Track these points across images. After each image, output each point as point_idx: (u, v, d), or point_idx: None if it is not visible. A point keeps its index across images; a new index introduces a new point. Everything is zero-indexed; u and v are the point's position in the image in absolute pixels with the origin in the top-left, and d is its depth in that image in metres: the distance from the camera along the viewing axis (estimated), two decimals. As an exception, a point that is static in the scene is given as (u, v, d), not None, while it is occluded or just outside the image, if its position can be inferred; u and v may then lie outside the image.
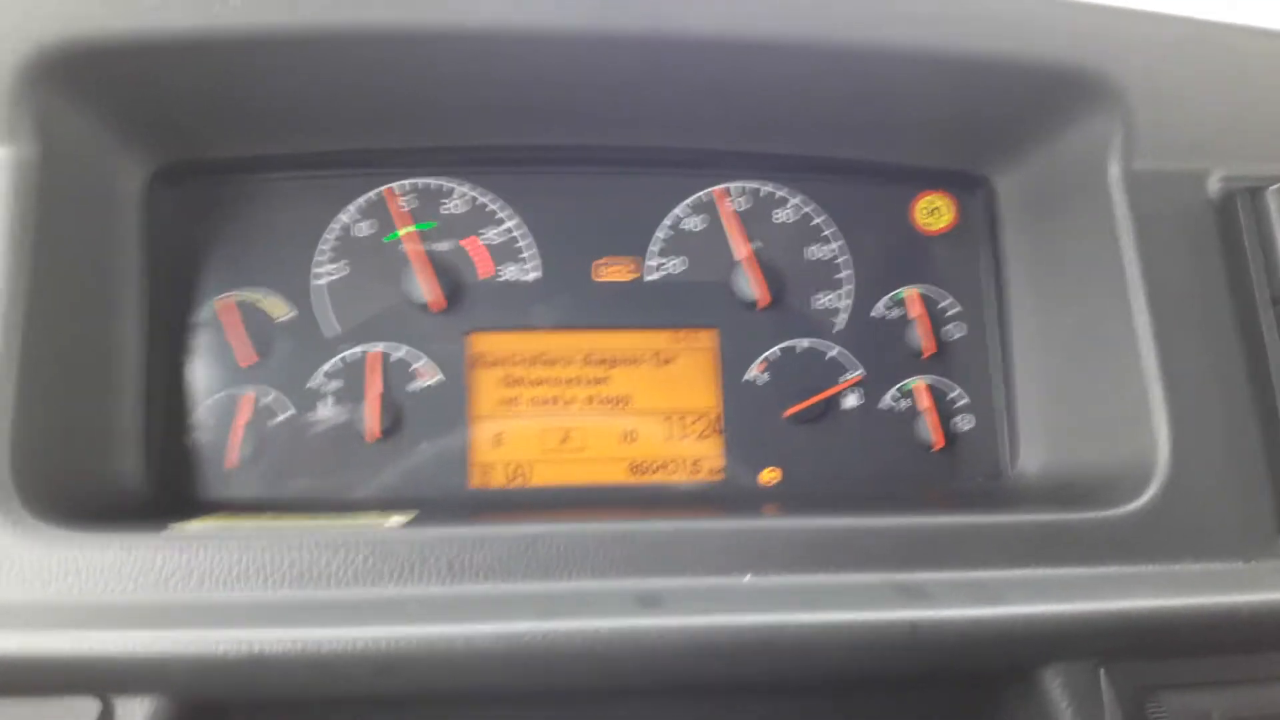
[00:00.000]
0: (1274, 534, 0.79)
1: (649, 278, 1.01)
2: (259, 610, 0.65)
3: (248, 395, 0.94)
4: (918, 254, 1.05)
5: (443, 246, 0.99)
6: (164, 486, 0.90)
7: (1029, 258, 1.00)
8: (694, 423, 1.00)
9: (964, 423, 1.02)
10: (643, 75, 0.87)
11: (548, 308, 1.00)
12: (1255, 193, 0.83)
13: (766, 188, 1.04)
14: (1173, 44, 0.87)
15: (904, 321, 1.03)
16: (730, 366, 1.01)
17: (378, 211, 0.98)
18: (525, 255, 1.00)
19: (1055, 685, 0.72)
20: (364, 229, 0.98)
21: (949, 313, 1.04)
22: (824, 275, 1.03)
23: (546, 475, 0.97)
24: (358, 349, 0.96)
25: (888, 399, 1.02)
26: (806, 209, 1.04)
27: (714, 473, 0.99)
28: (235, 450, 0.93)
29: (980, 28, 0.83)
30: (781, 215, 1.04)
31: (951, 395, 1.03)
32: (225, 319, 0.95)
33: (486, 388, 0.98)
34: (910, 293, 1.04)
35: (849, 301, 1.03)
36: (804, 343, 1.02)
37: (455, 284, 0.98)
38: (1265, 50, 0.90)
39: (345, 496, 0.94)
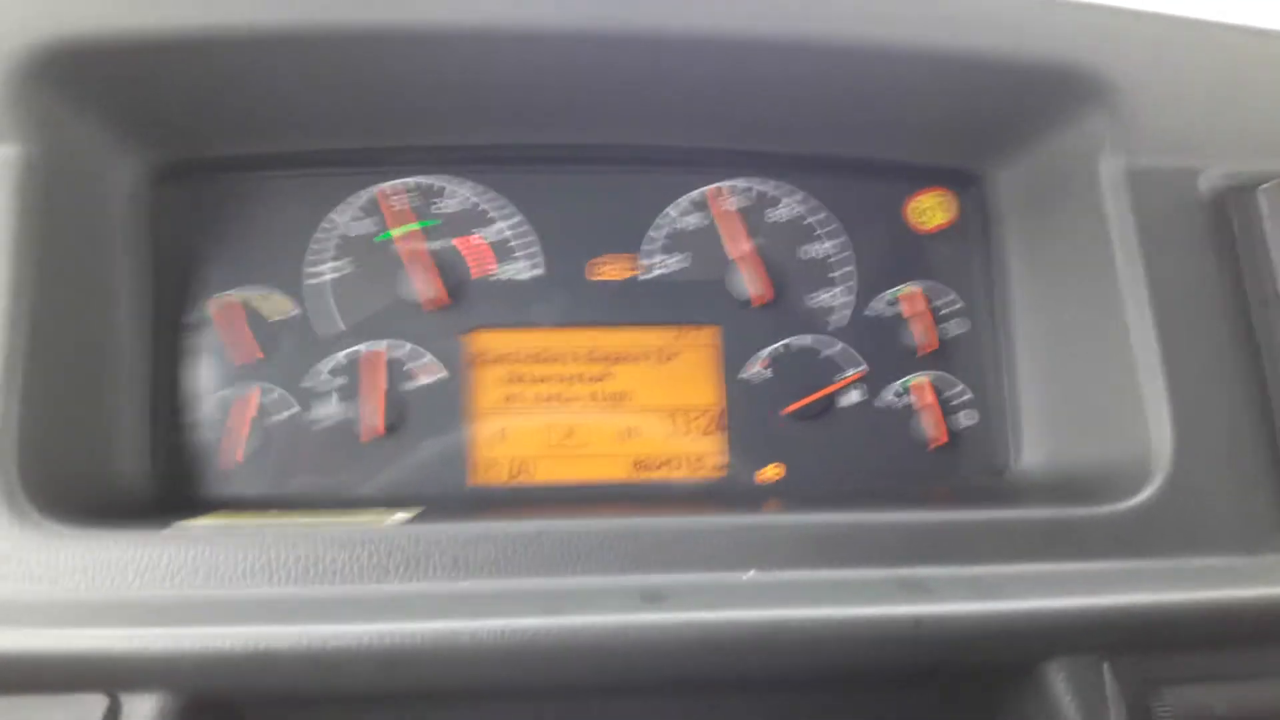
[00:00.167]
0: (1276, 528, 0.79)
1: (646, 275, 1.02)
2: (264, 606, 0.65)
3: (249, 393, 0.94)
4: (916, 251, 1.05)
5: (444, 244, 0.99)
6: (167, 485, 0.90)
7: (1026, 254, 1.00)
8: (696, 419, 1.00)
9: (965, 419, 1.03)
10: (640, 74, 0.87)
11: (546, 305, 1.00)
12: (1246, 191, 0.84)
13: (763, 186, 1.04)
14: (1166, 42, 0.88)
15: (904, 318, 1.03)
16: (731, 363, 1.01)
17: (379, 209, 0.99)
18: (523, 253, 1.00)
19: (1059, 680, 0.72)
20: (365, 227, 0.98)
21: (949, 309, 1.04)
22: (825, 272, 1.03)
23: (548, 472, 0.98)
24: (358, 347, 0.96)
25: (888, 396, 1.02)
26: (804, 207, 1.04)
27: (716, 469, 1.00)
28: (237, 448, 0.93)
29: (975, 26, 0.84)
30: (779, 213, 1.04)
31: (952, 392, 1.03)
32: (226, 317, 0.95)
33: (487, 385, 0.98)
34: (909, 289, 1.04)
35: (849, 298, 1.03)
36: (804, 340, 1.02)
37: (454, 282, 0.98)
38: (1257, 49, 0.91)
39: (347, 494, 0.94)
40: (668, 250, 1.02)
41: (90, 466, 0.80)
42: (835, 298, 1.03)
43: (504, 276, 1.00)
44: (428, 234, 0.99)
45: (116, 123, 0.85)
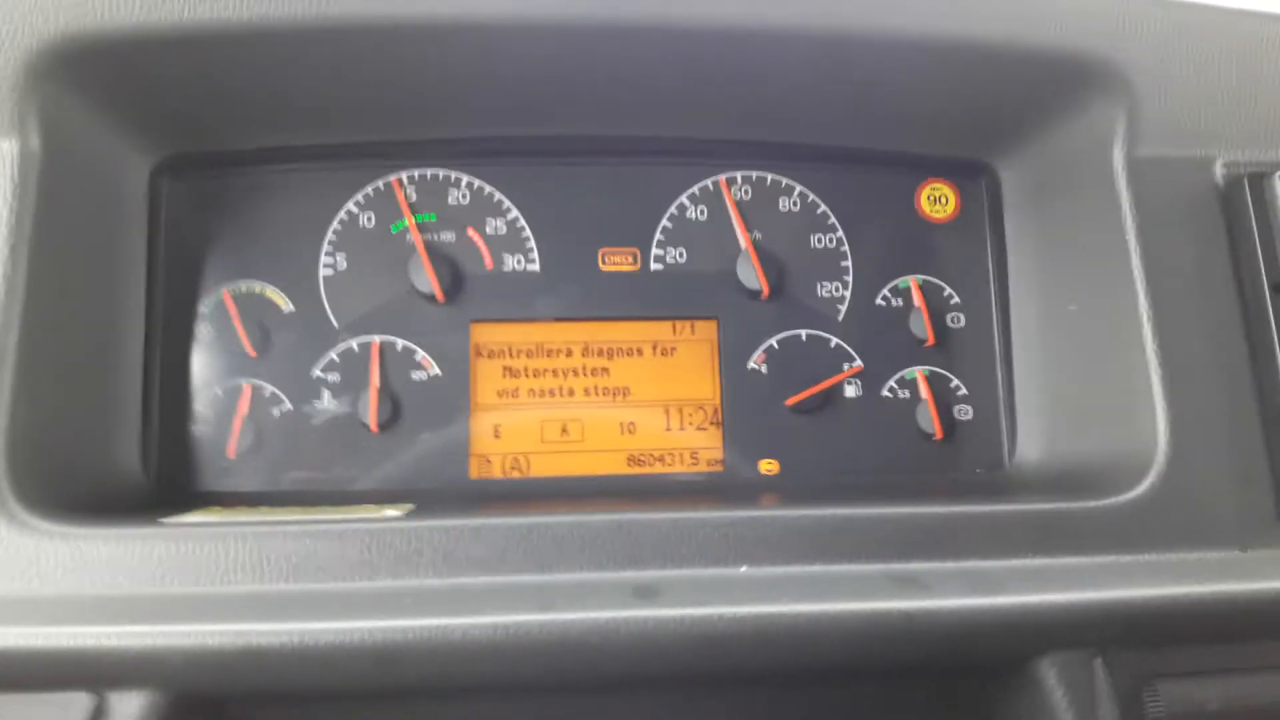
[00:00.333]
0: (1272, 522, 0.78)
1: (651, 268, 1.01)
2: (254, 603, 0.65)
3: (248, 387, 0.94)
4: (919, 243, 1.05)
5: (446, 237, 0.99)
6: (164, 479, 0.91)
7: (1031, 246, 1.00)
8: (693, 413, 1.00)
9: (964, 413, 1.02)
10: (646, 65, 0.86)
11: (550, 298, 1.00)
12: (1260, 178, 0.83)
13: (770, 177, 1.03)
14: (1177, 30, 0.87)
15: (905, 311, 1.03)
16: (731, 356, 1.01)
17: (381, 203, 0.98)
18: (528, 246, 1.00)
19: (1051, 675, 0.72)
20: (367, 220, 0.98)
21: (950, 302, 1.04)
22: (826, 264, 1.03)
23: (546, 467, 0.98)
24: (359, 340, 0.96)
25: (887, 389, 1.02)
26: (809, 198, 1.03)
27: (713, 463, 0.99)
28: (235, 442, 0.93)
29: (985, 14, 0.83)
30: (785, 204, 1.03)
31: (951, 385, 1.02)
32: (228, 310, 0.95)
33: (487, 378, 0.98)
34: (911, 282, 1.03)
35: (850, 291, 1.03)
36: (804, 333, 1.02)
37: (457, 275, 0.98)
38: (1270, 36, 0.89)
39: (345, 488, 0.94)
40: (674, 242, 1.01)
41: (84, 460, 0.80)
42: (837, 290, 1.03)
43: (507, 270, 0.99)
44: (431, 227, 0.99)
45: (122, 117, 0.85)
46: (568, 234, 1.00)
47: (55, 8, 0.74)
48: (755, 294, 1.00)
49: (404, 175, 0.99)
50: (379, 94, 0.89)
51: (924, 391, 1.01)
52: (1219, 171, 0.85)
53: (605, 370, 1.00)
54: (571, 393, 0.99)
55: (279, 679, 0.64)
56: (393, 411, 0.95)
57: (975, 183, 1.05)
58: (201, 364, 0.94)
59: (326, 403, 0.95)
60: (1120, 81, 0.84)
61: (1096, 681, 0.72)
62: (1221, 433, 0.80)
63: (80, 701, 0.63)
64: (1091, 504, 0.77)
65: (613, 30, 0.81)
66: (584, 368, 0.99)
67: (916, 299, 1.02)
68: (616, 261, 1.01)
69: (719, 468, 0.99)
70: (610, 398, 1.00)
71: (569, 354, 0.99)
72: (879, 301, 1.03)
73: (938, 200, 1.05)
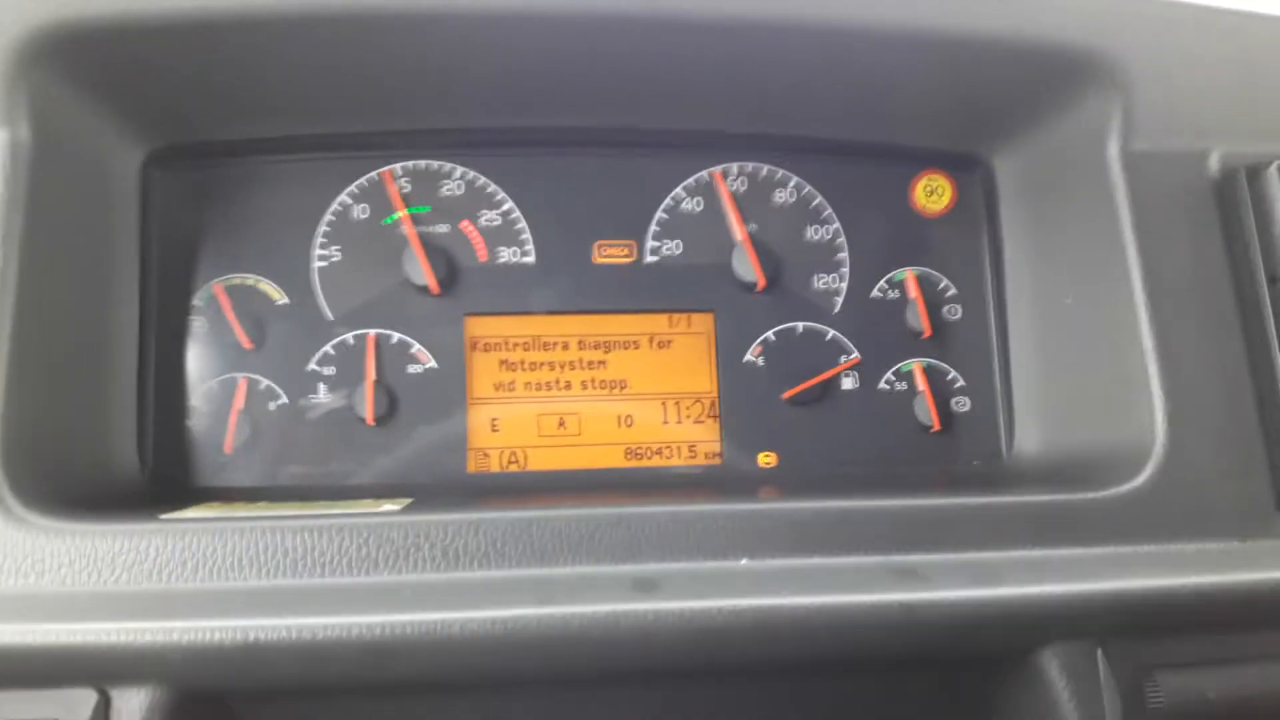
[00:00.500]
0: (1271, 513, 0.79)
1: (647, 260, 1.01)
2: (254, 598, 0.65)
3: (244, 380, 0.94)
4: (915, 235, 1.05)
5: (440, 229, 0.98)
6: (160, 474, 0.90)
7: (1027, 239, 1.00)
8: (691, 406, 1.00)
9: (961, 404, 1.02)
10: (641, 56, 0.86)
11: (545, 291, 0.99)
12: (1256, 171, 0.83)
13: (765, 169, 1.03)
14: (1173, 24, 0.87)
15: (901, 303, 1.03)
16: (728, 349, 1.01)
17: (375, 194, 0.98)
18: (523, 238, 0.99)
19: (1053, 666, 0.72)
20: (361, 212, 0.97)
21: (946, 295, 1.03)
22: (822, 257, 1.03)
23: (543, 460, 0.97)
24: (354, 333, 0.96)
25: (885, 381, 1.02)
26: (805, 190, 1.03)
27: (711, 456, 0.99)
28: (232, 436, 0.92)
29: (980, 7, 0.83)
30: (780, 197, 1.03)
31: (948, 377, 1.02)
32: (221, 303, 0.94)
33: (483, 372, 0.97)
34: (908, 274, 1.03)
35: (846, 283, 1.03)
36: (801, 325, 1.02)
37: (452, 267, 0.97)
38: (1265, 32, 0.90)
39: (343, 483, 0.94)
40: (669, 235, 1.01)
41: (80, 456, 0.80)
42: (833, 282, 1.02)
43: (502, 262, 0.99)
44: (425, 219, 0.98)
45: (113, 107, 0.84)
46: (563, 226, 1.00)
47: None
48: (751, 286, 1.00)
49: (397, 167, 0.98)
50: (371, 84, 0.88)
51: (921, 384, 1.01)
52: (1214, 165, 0.85)
53: (602, 363, 0.99)
54: (568, 386, 0.99)
55: (280, 674, 0.64)
56: (389, 405, 0.95)
57: (971, 175, 1.05)
58: (196, 357, 0.93)
59: (322, 396, 0.94)
60: (1115, 75, 0.84)
61: (1098, 672, 0.72)
62: (1219, 424, 0.80)
63: (84, 698, 0.63)
64: (1090, 495, 0.77)
65: (607, 21, 0.80)
66: (581, 361, 0.99)
67: (913, 291, 1.02)
68: (612, 254, 1.00)
69: (717, 461, 0.99)
70: (607, 391, 0.99)
71: (565, 347, 0.99)
72: (875, 294, 1.03)
73: (933, 193, 1.05)
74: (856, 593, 0.68)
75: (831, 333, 1.02)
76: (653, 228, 1.01)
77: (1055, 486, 0.80)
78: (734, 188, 1.02)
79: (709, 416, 1.00)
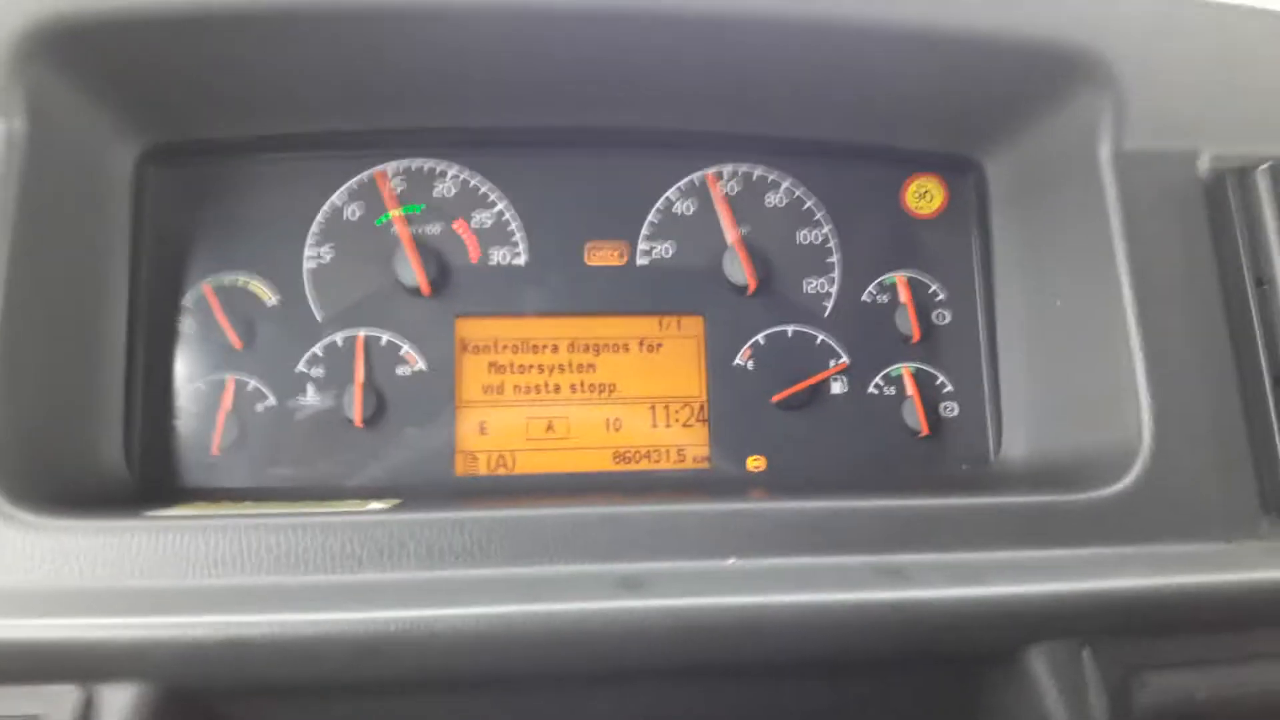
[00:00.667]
0: (1257, 514, 0.79)
1: (638, 262, 1.01)
2: (238, 595, 0.65)
3: (231, 381, 0.93)
4: (906, 238, 1.05)
5: (433, 229, 0.98)
6: (148, 475, 0.90)
7: (1018, 241, 1.00)
8: (680, 410, 1.00)
9: (949, 409, 1.02)
10: (634, 54, 0.86)
11: (536, 292, 0.99)
12: (1244, 173, 0.83)
13: (757, 171, 1.03)
14: (1164, 23, 0.87)
15: (891, 307, 1.03)
16: (717, 352, 1.01)
17: (367, 194, 0.98)
18: (514, 239, 0.99)
19: (1039, 665, 0.72)
20: (353, 213, 0.97)
21: (936, 299, 1.04)
22: (813, 260, 1.03)
23: (532, 464, 0.97)
24: (343, 334, 0.96)
25: (874, 385, 1.02)
26: (797, 193, 1.03)
27: (699, 460, 0.99)
28: (219, 437, 0.92)
29: (971, 5, 0.83)
30: (773, 199, 1.03)
31: (937, 382, 1.02)
32: (211, 303, 0.94)
33: (472, 374, 0.97)
34: (898, 278, 1.03)
35: (836, 287, 1.03)
36: (790, 329, 1.02)
37: (443, 268, 0.97)
38: (1256, 30, 0.90)
39: (330, 484, 0.93)
40: (661, 236, 1.01)
41: (67, 455, 0.80)
42: (824, 286, 1.02)
43: (494, 263, 0.99)
44: (417, 220, 0.98)
45: (109, 103, 0.84)
46: (555, 227, 1.00)
47: None
48: (742, 290, 1.00)
49: (390, 166, 0.98)
50: (366, 82, 0.89)
51: (910, 388, 1.01)
52: (1204, 165, 0.85)
53: (591, 366, 0.99)
54: (557, 389, 0.99)
55: (264, 671, 0.64)
56: (377, 407, 0.94)
57: (962, 178, 1.05)
58: (184, 357, 0.93)
59: (311, 398, 0.94)
60: (1106, 74, 0.85)
61: (1085, 672, 0.72)
62: (1206, 426, 0.80)
63: (68, 694, 0.62)
64: (1077, 497, 0.77)
65: (599, 18, 0.80)
66: (570, 364, 0.99)
67: (903, 295, 1.03)
68: (603, 255, 1.01)
69: (706, 465, 0.99)
70: (596, 394, 0.99)
71: (555, 350, 0.99)
72: (865, 298, 1.03)
73: (924, 196, 1.05)
74: (843, 591, 0.68)
75: (821, 336, 1.02)
76: (644, 229, 1.01)
77: (1043, 489, 0.80)
78: (727, 190, 1.03)
79: (698, 420, 1.00)
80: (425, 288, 0.96)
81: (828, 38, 0.83)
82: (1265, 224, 0.81)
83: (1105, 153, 0.84)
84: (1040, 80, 0.87)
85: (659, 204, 1.02)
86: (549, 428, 0.98)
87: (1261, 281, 0.81)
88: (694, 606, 0.66)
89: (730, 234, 1.01)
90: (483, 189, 0.99)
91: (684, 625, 0.66)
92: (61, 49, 0.76)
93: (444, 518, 0.70)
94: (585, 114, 0.96)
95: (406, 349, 0.96)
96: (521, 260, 0.99)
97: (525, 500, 0.78)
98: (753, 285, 1.00)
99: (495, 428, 0.97)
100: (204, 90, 0.88)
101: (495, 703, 0.76)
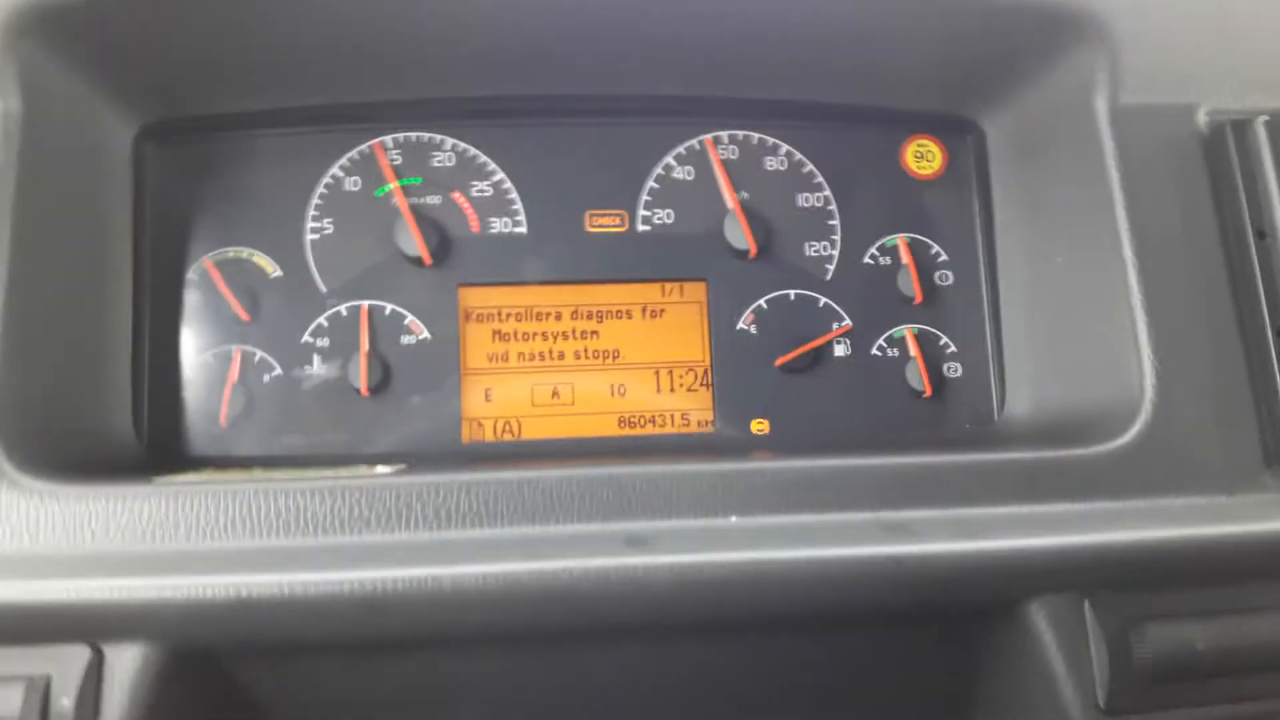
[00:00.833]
0: (1258, 468, 0.79)
1: (639, 229, 1.01)
2: (246, 557, 0.66)
3: (238, 352, 0.94)
4: (906, 200, 1.05)
5: (433, 200, 0.99)
6: (157, 445, 0.91)
7: (1017, 200, 1.00)
8: (684, 375, 1.00)
9: (953, 370, 1.02)
10: (629, 20, 0.86)
11: (537, 261, 1.00)
12: (1243, 125, 0.83)
13: (756, 136, 1.03)
14: (1157, -24, 0.87)
15: (893, 269, 1.03)
16: (720, 317, 1.01)
17: (366, 166, 0.98)
18: (514, 208, 1.00)
19: (1041, 618, 0.73)
20: (353, 184, 0.98)
21: (937, 260, 1.04)
22: (813, 224, 1.03)
23: (537, 430, 0.98)
24: (348, 305, 0.96)
25: (877, 347, 1.02)
26: (796, 156, 1.03)
27: (704, 424, 1.00)
28: (227, 408, 0.93)
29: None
30: (772, 164, 1.03)
31: (940, 343, 1.03)
32: (215, 276, 0.95)
33: (477, 342, 0.98)
34: (899, 240, 1.03)
35: (838, 250, 1.03)
36: (793, 292, 1.02)
37: (444, 238, 0.98)
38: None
39: (338, 453, 0.94)
40: (661, 203, 1.01)
41: (76, 425, 0.80)
42: (825, 249, 1.03)
43: (494, 232, 0.99)
44: (416, 191, 0.98)
45: (104, 80, 0.85)
46: (554, 195, 1.00)
47: None
48: (743, 254, 1.01)
49: (388, 139, 0.99)
50: (362, 54, 0.89)
51: (913, 349, 1.02)
52: (1202, 119, 0.85)
53: (595, 333, 1.00)
54: (561, 356, 0.99)
55: (271, 631, 0.65)
56: (383, 376, 0.95)
57: (961, 139, 1.05)
58: (190, 330, 0.94)
59: (317, 367, 0.95)
60: (1100, 30, 0.84)
61: (1085, 624, 0.72)
62: (1207, 380, 0.80)
63: (79, 654, 0.64)
64: (1079, 452, 0.77)
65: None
66: (574, 331, 1.00)
67: (904, 257, 1.03)
68: (604, 223, 1.01)
69: (710, 429, 1.00)
70: (600, 360, 1.00)
71: (558, 317, 0.99)
72: (867, 260, 1.03)
73: (923, 157, 1.05)
74: (846, 546, 0.68)
75: (824, 300, 1.02)
76: (644, 196, 1.01)
77: (1045, 445, 0.80)
78: (725, 155, 1.03)
79: (702, 385, 1.00)
80: (427, 257, 0.96)
81: (824, 2, 0.83)
82: (1265, 176, 0.81)
83: (1102, 108, 0.84)
84: (1036, 38, 0.87)
85: (658, 170, 1.02)
86: (554, 394, 0.99)
87: (1263, 234, 0.81)
88: (700, 562, 0.67)
89: (730, 199, 1.01)
90: (481, 159, 1.00)
91: (690, 580, 0.67)
92: (54, 27, 0.76)
93: (451, 479, 0.71)
94: (582, 82, 0.96)
95: (410, 318, 0.97)
96: (522, 229, 1.00)
97: (530, 463, 0.79)
98: (754, 250, 1.00)
99: (500, 395, 0.98)
100: (200, 66, 0.88)
101: (501, 662, 0.77)
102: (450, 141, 0.99)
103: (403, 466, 0.81)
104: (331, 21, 0.83)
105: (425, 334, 0.97)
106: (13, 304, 0.72)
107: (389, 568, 0.64)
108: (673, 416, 1.00)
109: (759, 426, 1.00)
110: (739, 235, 1.00)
